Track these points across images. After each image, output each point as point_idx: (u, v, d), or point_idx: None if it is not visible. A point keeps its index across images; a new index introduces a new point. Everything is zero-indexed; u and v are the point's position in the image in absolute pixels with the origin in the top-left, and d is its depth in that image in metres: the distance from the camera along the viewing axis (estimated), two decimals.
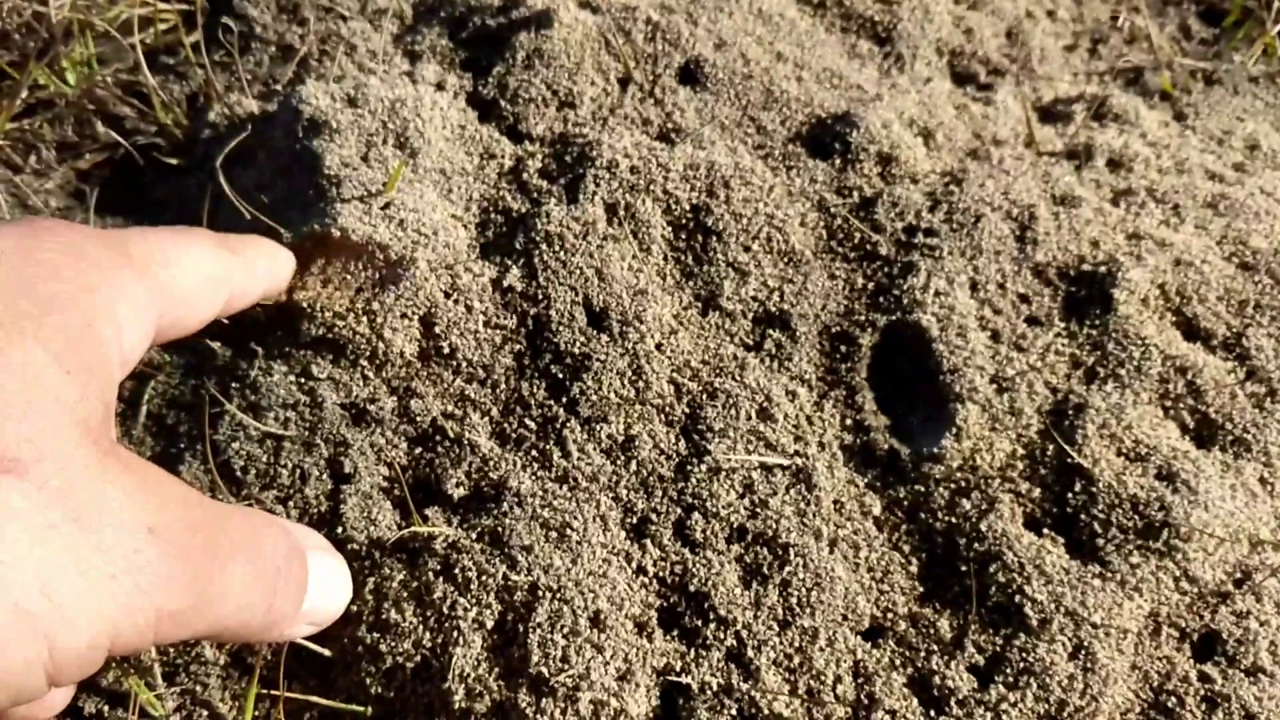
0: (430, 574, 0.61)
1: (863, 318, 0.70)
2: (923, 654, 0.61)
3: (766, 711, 0.58)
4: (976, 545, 0.63)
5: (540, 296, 0.69)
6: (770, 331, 0.70)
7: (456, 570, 0.61)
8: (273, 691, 0.60)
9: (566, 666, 0.58)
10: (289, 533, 0.52)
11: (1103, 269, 0.71)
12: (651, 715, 0.59)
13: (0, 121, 0.81)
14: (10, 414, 0.38)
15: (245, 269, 0.60)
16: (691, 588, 0.61)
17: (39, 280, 0.43)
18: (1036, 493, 0.65)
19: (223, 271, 0.57)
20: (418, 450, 0.66)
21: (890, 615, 0.62)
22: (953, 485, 0.65)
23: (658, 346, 0.68)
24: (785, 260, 0.72)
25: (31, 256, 0.44)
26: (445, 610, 0.60)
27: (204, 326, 0.58)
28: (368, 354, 0.67)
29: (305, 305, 0.68)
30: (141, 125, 0.84)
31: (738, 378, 0.67)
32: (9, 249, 0.44)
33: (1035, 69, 0.90)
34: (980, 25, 0.91)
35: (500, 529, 0.62)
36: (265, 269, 0.64)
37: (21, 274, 0.43)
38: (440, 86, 0.81)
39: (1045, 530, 0.64)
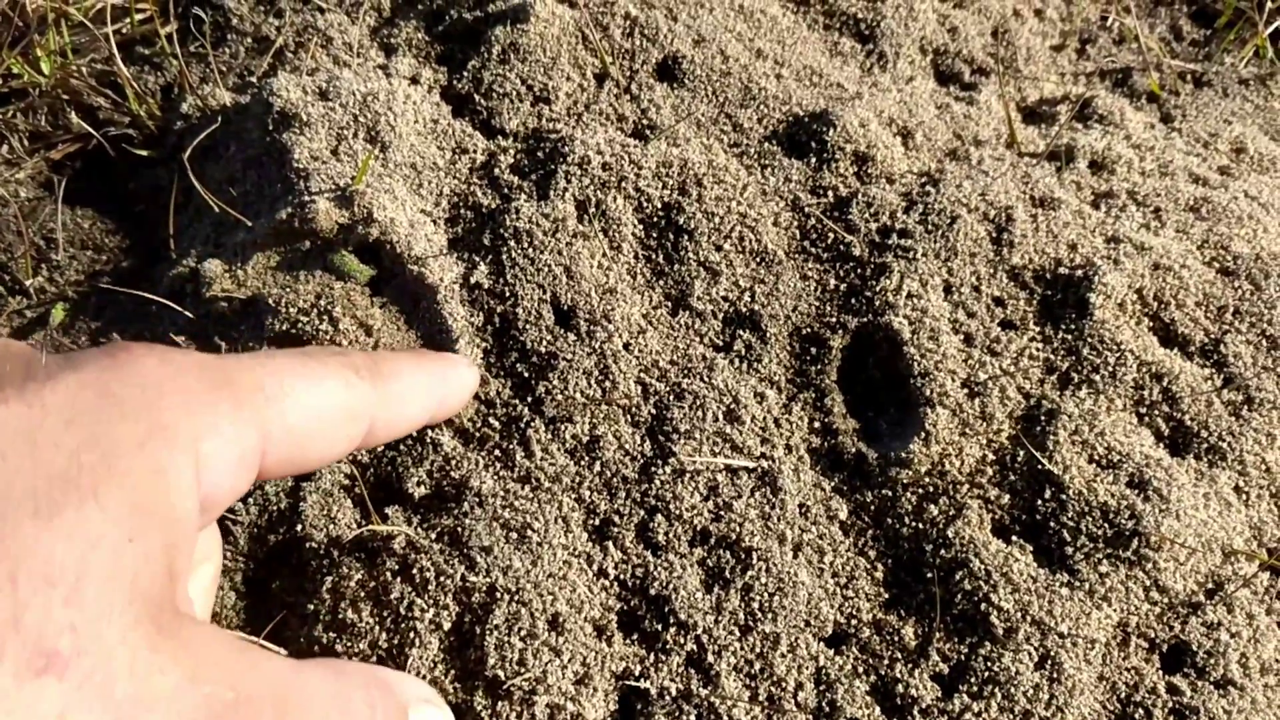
0: (388, 574, 0.60)
1: (834, 319, 0.69)
2: (886, 661, 0.60)
3: (726, 718, 0.57)
4: (943, 552, 0.62)
5: (507, 294, 0.68)
6: (740, 332, 0.69)
7: (414, 570, 0.60)
8: None
9: (523, 669, 0.57)
10: (388, 689, 0.48)
11: (1079, 272, 0.70)
12: None
13: None
14: (56, 594, 0.34)
15: (388, 402, 0.54)
16: (652, 591, 0.60)
17: (110, 422, 0.39)
18: (1005, 499, 0.64)
19: (357, 405, 0.52)
20: (380, 448, 0.65)
21: (854, 622, 0.61)
22: (920, 490, 0.64)
23: (625, 346, 0.67)
24: (757, 260, 0.71)
25: (107, 391, 0.40)
26: (402, 611, 0.59)
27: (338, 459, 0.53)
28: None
29: (270, 300, 0.67)
30: (115, 116, 0.84)
31: (706, 379, 0.67)
32: (84, 383, 0.40)
33: (1021, 69, 0.89)
34: (966, 24, 0.90)
35: (460, 529, 0.61)
36: (420, 400, 0.58)
37: (91, 416, 0.39)
38: (415, 80, 0.80)
39: (1014, 538, 0.63)
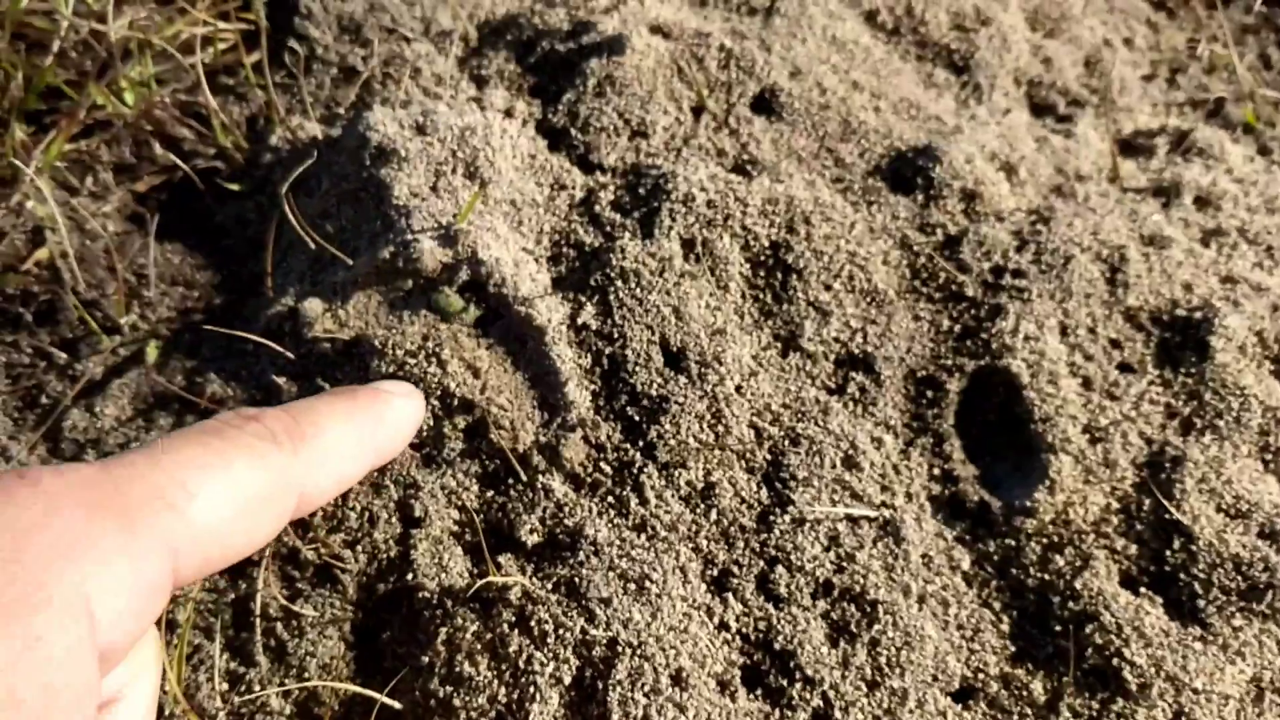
0: (505, 625, 0.59)
1: (949, 362, 0.68)
2: (1015, 717, 0.59)
3: None
4: (1071, 604, 0.61)
5: (616, 335, 0.67)
6: (853, 374, 0.67)
7: (532, 622, 0.59)
8: None
9: None
10: None
11: (1198, 314, 0.69)
12: None
13: (58, 142, 0.79)
14: None
15: (316, 465, 0.48)
16: (776, 645, 0.59)
17: None
18: (1133, 549, 0.62)
19: (279, 482, 0.45)
20: (489, 493, 0.64)
21: (981, 676, 0.60)
22: (1045, 540, 0.63)
23: (737, 389, 0.66)
24: (868, 300, 0.69)
25: None
26: (521, 664, 0.58)
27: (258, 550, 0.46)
28: (438, 394, 0.65)
29: (376, 341, 0.66)
30: (200, 147, 0.82)
31: (821, 423, 0.65)
32: None
33: (1115, 99, 0.87)
34: (1059, 54, 0.89)
35: (577, 579, 0.60)
36: (353, 454, 0.51)
37: None
38: (509, 113, 0.79)
39: (1143, 589, 0.61)
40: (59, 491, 0.37)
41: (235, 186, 0.80)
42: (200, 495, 0.41)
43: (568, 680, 0.57)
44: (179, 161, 0.81)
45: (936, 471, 0.65)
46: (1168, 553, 0.62)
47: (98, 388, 0.71)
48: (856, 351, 0.68)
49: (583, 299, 0.68)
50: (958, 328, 0.69)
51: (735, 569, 0.61)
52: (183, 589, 0.55)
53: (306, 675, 0.60)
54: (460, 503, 0.63)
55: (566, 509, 0.62)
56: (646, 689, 0.56)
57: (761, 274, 0.70)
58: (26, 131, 0.82)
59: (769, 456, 0.64)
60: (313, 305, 0.68)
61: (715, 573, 0.61)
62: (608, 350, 0.67)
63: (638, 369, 0.66)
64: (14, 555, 0.34)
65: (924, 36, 0.88)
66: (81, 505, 0.37)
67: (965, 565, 0.63)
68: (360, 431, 0.52)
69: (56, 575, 0.34)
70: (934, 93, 0.85)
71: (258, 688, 0.60)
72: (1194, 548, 0.62)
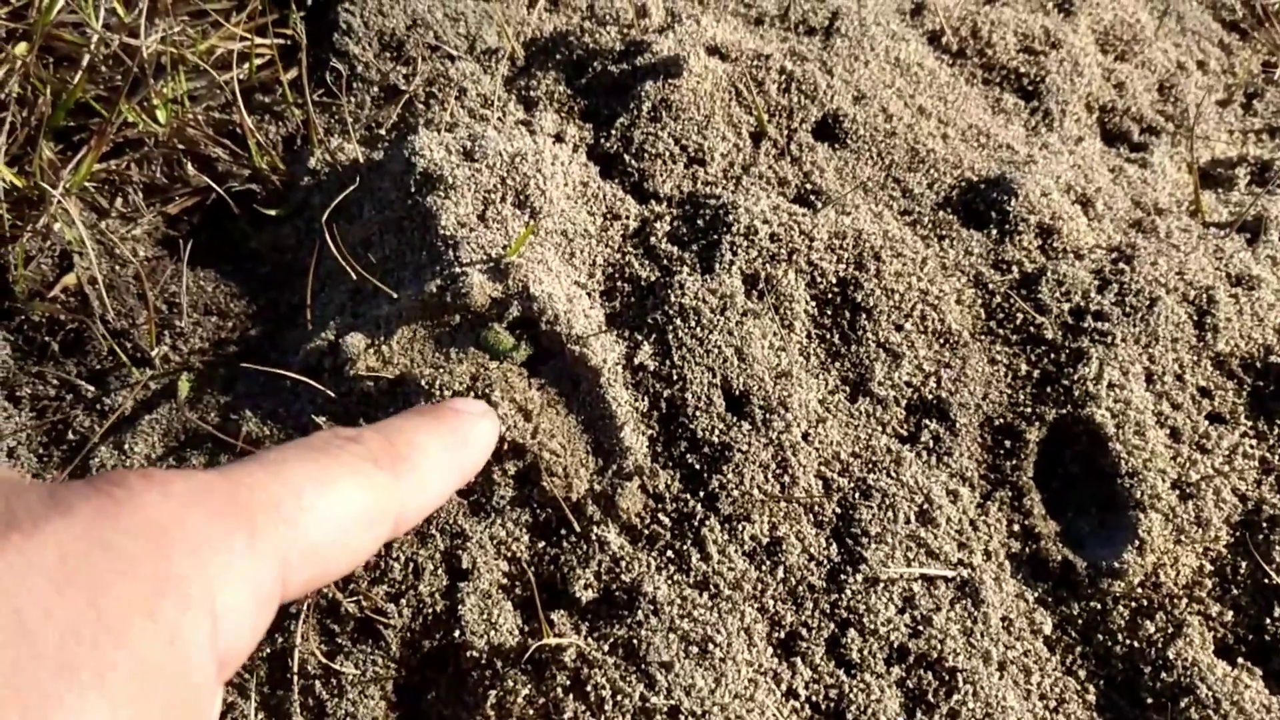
0: (559, 689, 0.55)
1: (1028, 409, 0.64)
2: None
3: None
4: (1164, 675, 0.57)
5: (675, 377, 0.63)
6: (926, 421, 0.63)
7: (589, 687, 0.55)
8: None
9: None
10: None
11: None
12: None
13: (87, 162, 0.76)
14: None
15: (413, 490, 0.48)
16: (849, 715, 0.55)
17: (110, 583, 0.33)
18: (1229, 616, 0.58)
19: (383, 499, 0.45)
20: (541, 544, 0.60)
21: None
22: (1134, 604, 0.59)
23: (804, 436, 0.62)
24: (941, 342, 0.66)
25: (104, 542, 0.34)
26: None
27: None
28: None
29: (422, 381, 0.62)
30: (235, 168, 0.79)
31: (893, 474, 0.61)
32: (77, 533, 0.33)
33: (1191, 127, 0.83)
34: (1132, 79, 0.85)
35: (635, 640, 0.56)
36: (444, 477, 0.51)
37: (88, 576, 0.33)
38: (559, 138, 0.75)
39: (1240, 659, 0.57)
40: (187, 494, 0.37)
41: (272, 211, 0.76)
42: (313, 512, 0.41)
43: None
44: (213, 183, 0.78)
45: (1016, 528, 0.61)
46: (1267, 620, 0.58)
47: (127, 423, 0.67)
48: (929, 397, 0.64)
49: (639, 337, 0.65)
50: (1036, 373, 0.65)
51: (804, 631, 0.57)
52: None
53: None
54: (510, 554, 0.60)
55: (623, 563, 0.59)
56: None
57: (828, 313, 0.66)
58: (54, 150, 0.78)
59: (838, 510, 0.61)
60: (355, 341, 0.64)
61: (782, 635, 0.57)
62: (666, 393, 0.63)
63: (698, 414, 0.62)
64: (148, 555, 0.34)
65: (990, 59, 0.84)
66: (207, 510, 0.37)
67: (1048, 630, 0.59)
68: (449, 454, 0.51)
69: (195, 571, 0.35)
70: (1003, 119, 0.81)
71: None
72: None
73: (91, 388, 0.69)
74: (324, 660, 0.58)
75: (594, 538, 0.59)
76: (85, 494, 0.35)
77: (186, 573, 0.35)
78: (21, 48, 0.80)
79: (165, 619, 0.33)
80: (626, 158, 0.73)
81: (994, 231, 0.70)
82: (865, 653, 0.57)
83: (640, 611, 0.57)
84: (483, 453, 0.54)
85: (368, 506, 0.44)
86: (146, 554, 0.34)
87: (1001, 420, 0.64)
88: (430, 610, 0.59)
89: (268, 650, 0.58)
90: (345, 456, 0.45)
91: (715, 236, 0.68)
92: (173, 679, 0.33)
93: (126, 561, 0.33)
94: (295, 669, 0.58)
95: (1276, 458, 0.62)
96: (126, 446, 0.66)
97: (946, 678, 0.56)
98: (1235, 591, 0.59)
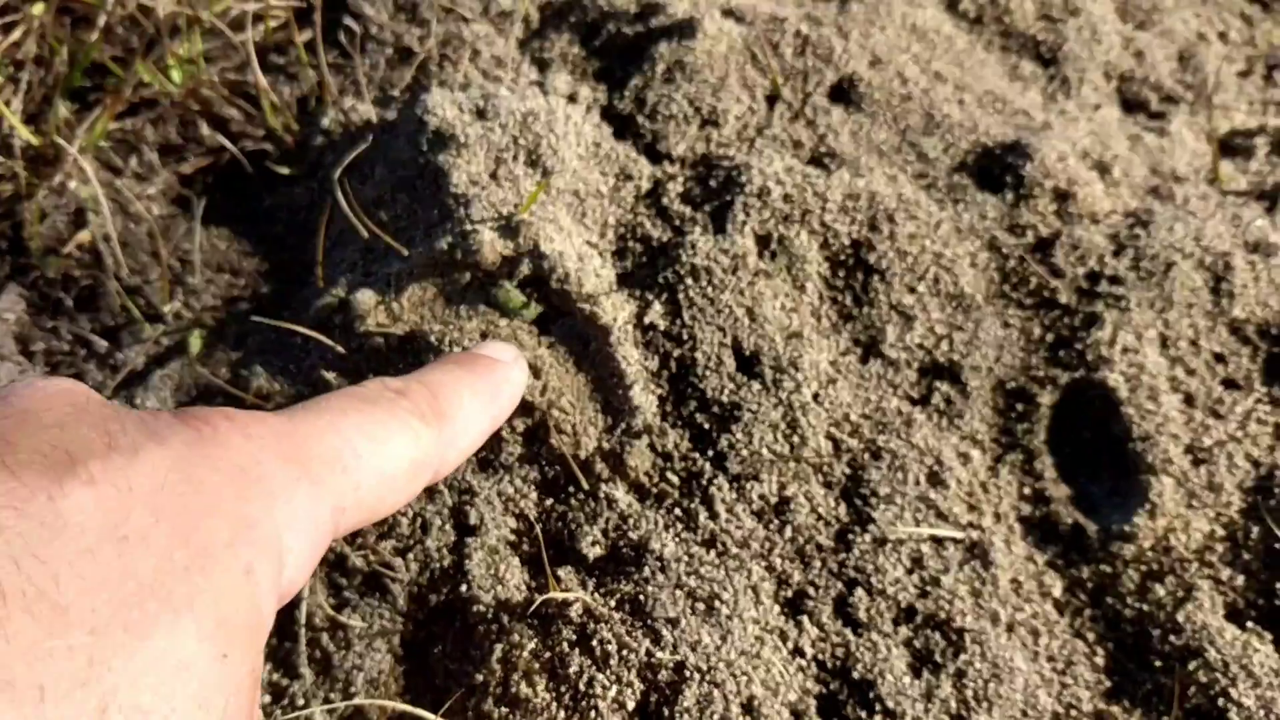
0: (565, 644, 0.55)
1: (1041, 373, 0.63)
2: None
3: None
4: (1173, 638, 0.56)
5: (685, 337, 0.63)
6: (938, 384, 0.63)
7: (594, 642, 0.55)
8: None
9: None
10: None
11: None
12: None
13: (104, 120, 0.76)
14: None
15: (456, 439, 0.51)
16: (855, 674, 0.55)
17: (199, 515, 0.35)
18: (1240, 580, 0.58)
19: (428, 455, 0.48)
20: (549, 501, 0.60)
21: (1074, 712, 0.55)
22: (1144, 568, 0.58)
23: (814, 397, 0.62)
24: (954, 305, 0.65)
25: (194, 476, 0.36)
26: (582, 687, 0.54)
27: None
28: None
29: (432, 338, 0.62)
30: (249, 128, 0.79)
31: (903, 436, 0.61)
32: (171, 465, 0.36)
33: (1210, 96, 0.82)
34: (1151, 47, 0.84)
35: (642, 597, 0.56)
36: (480, 427, 0.53)
37: (180, 507, 0.35)
38: (572, 99, 0.75)
39: (1250, 624, 0.57)
40: (262, 437, 0.40)
41: (285, 170, 0.76)
42: (367, 463, 0.44)
43: (631, 706, 0.53)
44: (227, 143, 0.78)
45: (1027, 491, 0.61)
46: (1277, 585, 0.57)
47: (139, 378, 0.67)
48: (942, 360, 0.64)
49: (650, 297, 0.64)
50: (1050, 337, 0.65)
51: (811, 590, 0.57)
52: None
53: (353, 690, 0.56)
54: (518, 511, 0.60)
55: (631, 521, 0.59)
56: (716, 717, 0.53)
57: (841, 274, 0.66)
58: (71, 109, 0.79)
59: (848, 470, 0.60)
60: (365, 297, 0.64)
61: (790, 594, 0.57)
62: (676, 352, 0.63)
63: (708, 373, 0.62)
64: (239, 492, 0.37)
65: (1009, 26, 0.83)
66: (278, 455, 0.40)
67: (1057, 592, 0.58)
68: (484, 407, 0.53)
69: (267, 515, 0.38)
70: (1020, 85, 0.80)
71: (301, 702, 0.56)
72: None
73: (105, 343, 0.69)
74: (331, 613, 0.58)
75: (602, 495, 0.59)
76: (176, 427, 0.37)
77: (259, 514, 0.37)
78: (39, 8, 0.80)
79: (243, 554, 0.35)
80: (640, 119, 0.73)
81: (1009, 195, 0.69)
82: (873, 612, 0.56)
83: (647, 568, 0.57)
84: (513, 401, 0.56)
85: (414, 459, 0.47)
86: (229, 492, 0.37)
87: (1014, 383, 0.63)
88: (438, 565, 0.59)
89: None
90: (397, 411, 0.48)
91: (728, 197, 0.67)
92: (246, 608, 0.35)
93: (212, 497, 0.36)
94: (303, 621, 0.58)
95: None
96: (138, 401, 0.66)
97: (954, 638, 0.56)
98: (1246, 556, 0.59)
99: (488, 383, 0.55)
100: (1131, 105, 0.82)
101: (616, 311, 0.63)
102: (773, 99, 0.74)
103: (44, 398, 0.36)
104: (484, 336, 0.62)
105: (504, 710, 0.54)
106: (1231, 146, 0.79)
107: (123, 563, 0.32)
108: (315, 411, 0.45)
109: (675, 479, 0.60)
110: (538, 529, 0.59)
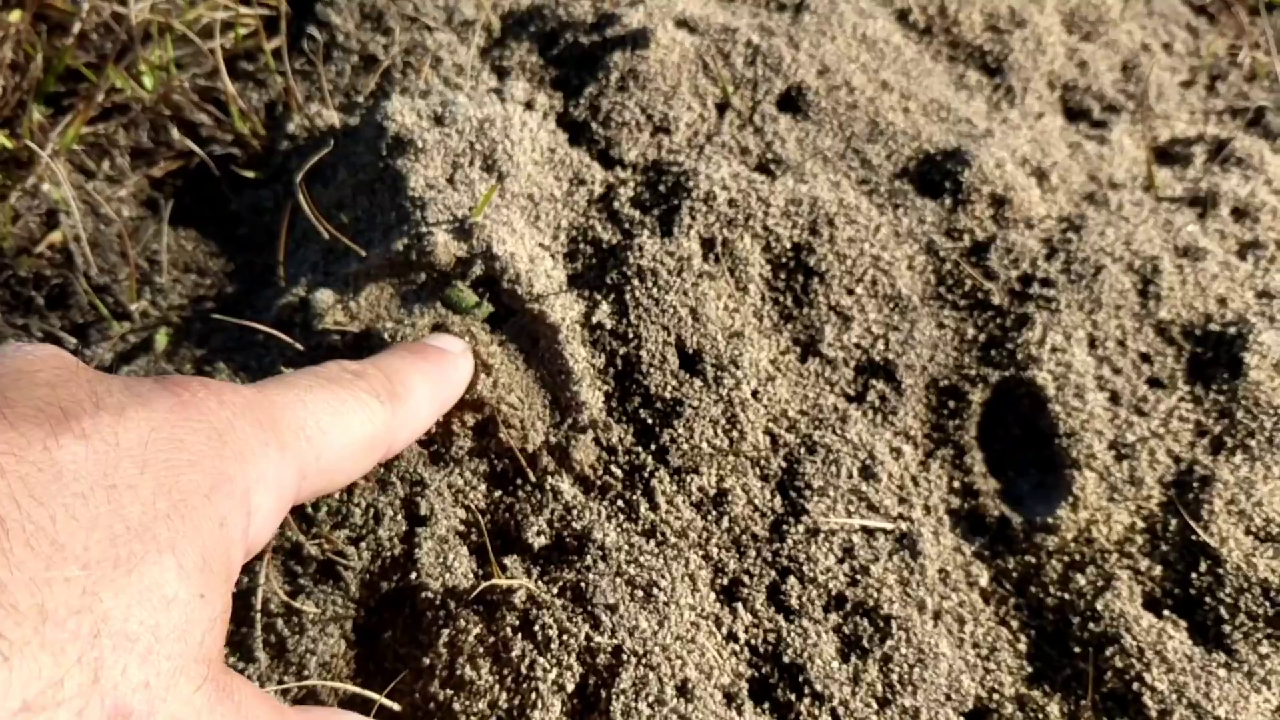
0: (509, 629, 0.57)
1: (973, 372, 0.66)
2: None
3: None
4: (1092, 625, 0.59)
5: (630, 335, 0.65)
6: (873, 382, 0.66)
7: (536, 627, 0.57)
8: None
9: None
10: None
11: (1231, 330, 0.67)
12: None
13: (76, 125, 0.79)
14: (134, 651, 0.34)
15: (407, 419, 0.55)
16: (785, 658, 0.57)
17: (179, 469, 0.39)
18: (1157, 570, 0.61)
19: (381, 431, 0.53)
20: (497, 493, 0.62)
21: (996, 696, 0.58)
22: (1066, 558, 0.61)
23: (753, 394, 0.64)
24: (891, 306, 0.68)
25: (175, 436, 0.40)
26: (524, 670, 0.56)
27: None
28: None
29: (385, 335, 0.64)
30: (218, 133, 0.81)
31: (838, 431, 0.63)
32: (154, 424, 0.39)
33: (1152, 106, 0.85)
34: (1095, 58, 0.86)
35: (583, 584, 0.58)
36: (429, 410, 0.58)
37: (163, 461, 0.38)
38: (529, 105, 0.77)
39: (1166, 612, 0.59)
40: (236, 404, 0.44)
41: (251, 174, 0.79)
42: (329, 435, 0.48)
43: (570, 688, 0.56)
44: (195, 147, 0.80)
45: (956, 484, 0.63)
46: (1193, 575, 0.60)
47: (107, 373, 0.70)
48: (877, 359, 0.66)
49: (598, 297, 0.67)
50: (982, 337, 0.67)
51: (746, 578, 0.60)
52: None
53: (306, 673, 0.59)
54: (467, 502, 0.62)
55: (575, 512, 0.61)
56: (651, 699, 0.55)
57: (782, 276, 0.68)
58: (45, 113, 0.81)
59: (784, 464, 0.63)
60: (324, 296, 0.67)
61: (725, 582, 0.60)
62: (622, 351, 0.65)
63: (652, 370, 0.64)
64: (215, 450, 0.40)
65: (956, 37, 0.86)
66: (251, 422, 0.44)
67: (983, 582, 0.61)
68: (434, 392, 0.58)
69: (239, 472, 0.41)
70: (965, 94, 0.83)
71: (256, 684, 0.59)
72: (1221, 571, 0.60)
73: (74, 339, 0.72)
74: (286, 599, 0.60)
75: (548, 487, 0.62)
76: (157, 391, 0.41)
77: (234, 472, 0.41)
78: (15, 14, 0.82)
79: (218, 507, 0.39)
80: (594, 125, 0.76)
81: (948, 201, 0.72)
82: (804, 599, 0.59)
83: (589, 557, 0.59)
84: (460, 387, 0.62)
85: (370, 435, 0.51)
86: (207, 452, 0.40)
87: (947, 382, 0.66)
88: (389, 554, 0.61)
89: (232, 590, 0.61)
90: (356, 391, 0.52)
91: (676, 202, 0.70)
92: (221, 553, 0.39)
93: (192, 454, 0.40)
94: (259, 607, 0.60)
95: (1211, 421, 0.64)
96: None
97: (882, 624, 0.58)
98: (1164, 548, 0.61)
99: (438, 370, 0.59)
100: (1074, 114, 0.85)
101: (565, 311, 0.66)
102: (723, 107, 0.77)
103: (35, 359, 0.40)
104: (435, 330, 0.64)
105: (449, 692, 0.56)
106: (1170, 154, 0.82)
107: (112, 507, 0.36)
108: (283, 386, 0.49)
109: (618, 472, 0.62)
110: (485, 520, 0.61)
